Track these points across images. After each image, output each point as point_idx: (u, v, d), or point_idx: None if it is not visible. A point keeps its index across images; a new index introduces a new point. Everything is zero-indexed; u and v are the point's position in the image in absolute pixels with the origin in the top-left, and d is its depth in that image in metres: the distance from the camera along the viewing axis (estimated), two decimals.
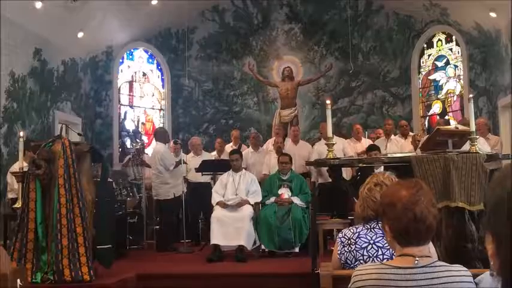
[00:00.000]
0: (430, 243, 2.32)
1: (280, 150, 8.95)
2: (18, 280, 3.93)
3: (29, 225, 5.33)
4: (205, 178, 8.99)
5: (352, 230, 2.91)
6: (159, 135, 9.22)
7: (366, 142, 9.66)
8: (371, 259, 2.79)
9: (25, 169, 5.71)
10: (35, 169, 5.37)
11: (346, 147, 9.13)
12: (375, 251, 2.82)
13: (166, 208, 8.75)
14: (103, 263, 5.86)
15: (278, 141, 9.35)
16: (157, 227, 9.15)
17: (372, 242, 2.83)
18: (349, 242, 2.87)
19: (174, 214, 8.82)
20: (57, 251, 5.28)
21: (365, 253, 2.82)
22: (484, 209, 1.16)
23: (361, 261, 2.79)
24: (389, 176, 2.92)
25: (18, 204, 5.82)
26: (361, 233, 2.87)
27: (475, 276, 2.11)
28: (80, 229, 5.37)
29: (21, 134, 6.37)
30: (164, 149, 8.90)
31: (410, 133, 9.95)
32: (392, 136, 9.52)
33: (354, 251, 2.84)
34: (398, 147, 9.06)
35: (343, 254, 2.87)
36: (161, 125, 12.90)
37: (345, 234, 2.91)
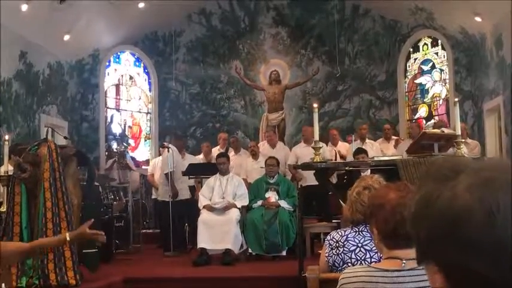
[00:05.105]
0: None
1: (255, 153, 9.04)
2: (3, 284, 3.89)
3: (14, 229, 5.28)
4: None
5: (340, 233, 2.92)
6: (174, 140, 9.34)
7: (343, 146, 9.82)
8: (359, 262, 2.79)
9: (10, 173, 5.66)
10: (20, 173, 5.32)
11: (326, 151, 9.14)
12: (363, 254, 2.82)
13: (165, 210, 8.64)
14: (89, 267, 5.83)
15: (252, 144, 9.41)
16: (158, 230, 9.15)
17: (360, 245, 2.84)
18: (337, 244, 2.87)
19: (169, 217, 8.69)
20: (43, 255, 5.23)
21: (353, 256, 2.82)
22: (417, 234, 0.86)
23: (349, 264, 2.79)
24: (378, 179, 2.91)
25: (3, 208, 5.77)
26: (349, 236, 2.87)
27: None
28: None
29: (7, 137, 6.33)
30: (167, 155, 8.55)
31: (393, 137, 10.01)
32: (367, 140, 9.59)
33: (342, 254, 2.84)
34: (373, 150, 9.08)
35: (331, 256, 2.87)
36: (148, 128, 12.86)
37: (333, 237, 2.91)
